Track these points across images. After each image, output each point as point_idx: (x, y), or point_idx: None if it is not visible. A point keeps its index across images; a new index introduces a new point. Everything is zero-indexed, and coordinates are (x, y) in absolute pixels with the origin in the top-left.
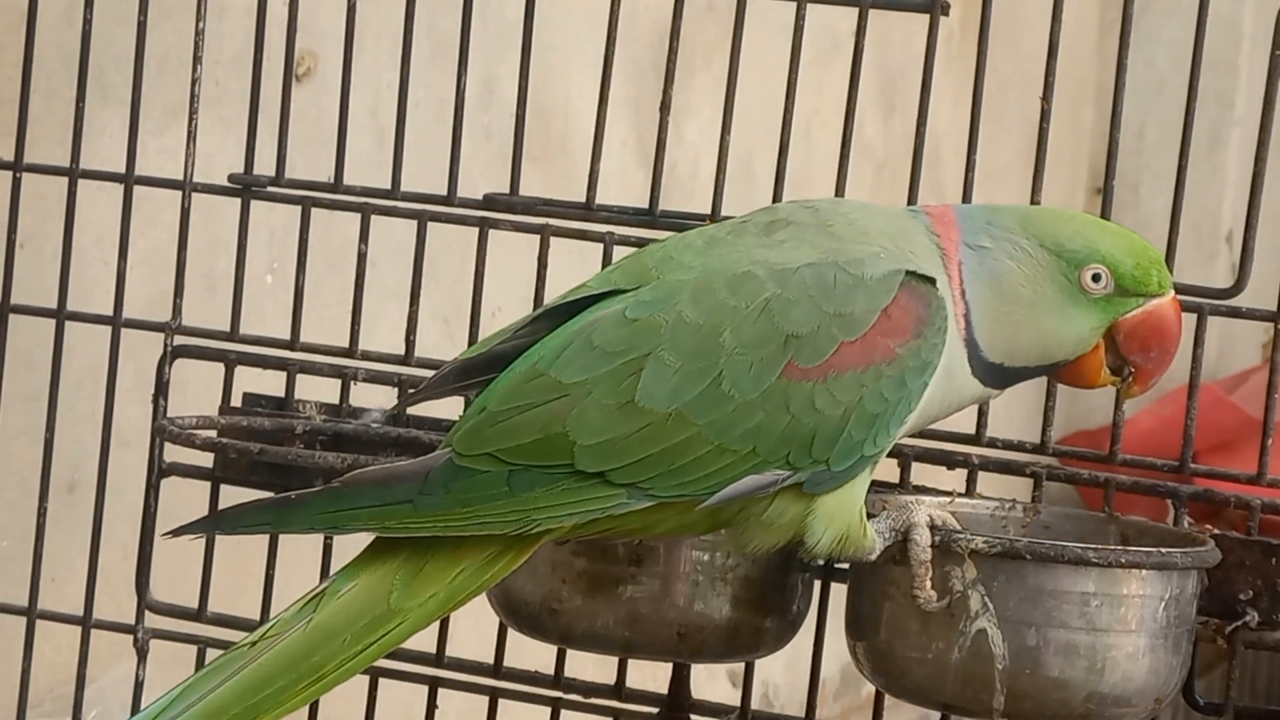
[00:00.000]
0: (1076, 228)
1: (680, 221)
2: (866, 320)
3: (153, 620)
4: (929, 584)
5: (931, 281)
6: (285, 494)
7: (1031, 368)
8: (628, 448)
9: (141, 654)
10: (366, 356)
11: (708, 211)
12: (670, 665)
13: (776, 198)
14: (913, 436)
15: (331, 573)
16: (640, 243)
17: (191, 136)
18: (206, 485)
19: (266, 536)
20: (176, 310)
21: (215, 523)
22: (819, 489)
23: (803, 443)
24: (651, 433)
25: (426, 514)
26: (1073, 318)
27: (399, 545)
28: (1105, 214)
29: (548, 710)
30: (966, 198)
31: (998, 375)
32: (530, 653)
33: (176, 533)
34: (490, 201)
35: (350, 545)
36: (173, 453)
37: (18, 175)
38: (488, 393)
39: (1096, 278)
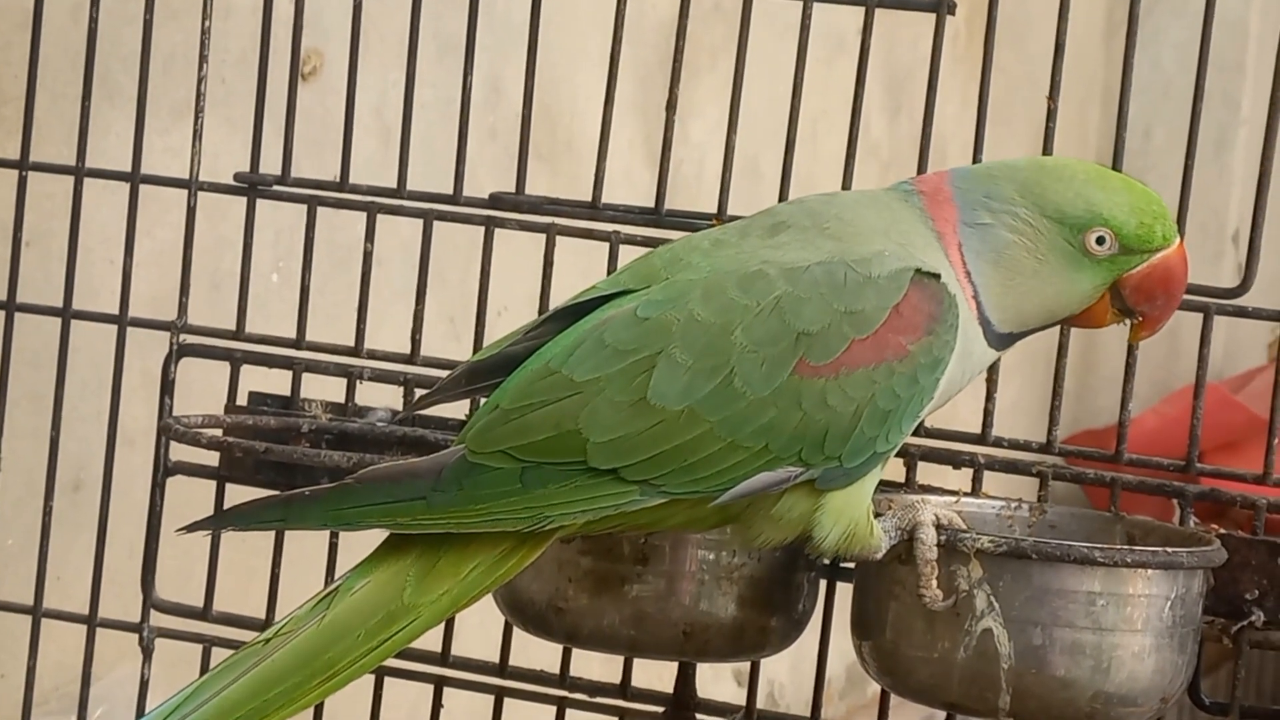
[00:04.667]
0: (1078, 189)
1: (686, 221)
2: (877, 318)
3: (158, 619)
4: (935, 583)
5: (938, 277)
6: (296, 490)
7: (1037, 328)
8: (640, 445)
9: (147, 653)
10: (372, 355)
11: (714, 211)
12: (676, 664)
13: (782, 198)
14: (919, 436)
15: (337, 572)
16: (646, 242)
17: (197, 135)
18: (212, 484)
19: (272, 535)
20: (182, 309)
21: (226, 519)
22: (831, 485)
23: (815, 439)
24: (664, 430)
25: (439, 511)
26: (1076, 280)
27: (411, 543)
28: None
29: (553, 709)
30: None
31: (1008, 340)
32: (536, 652)
33: (188, 529)
34: (496, 201)
35: (356, 545)
36: (178, 451)
37: (23, 174)
38: (500, 391)
39: (1100, 240)
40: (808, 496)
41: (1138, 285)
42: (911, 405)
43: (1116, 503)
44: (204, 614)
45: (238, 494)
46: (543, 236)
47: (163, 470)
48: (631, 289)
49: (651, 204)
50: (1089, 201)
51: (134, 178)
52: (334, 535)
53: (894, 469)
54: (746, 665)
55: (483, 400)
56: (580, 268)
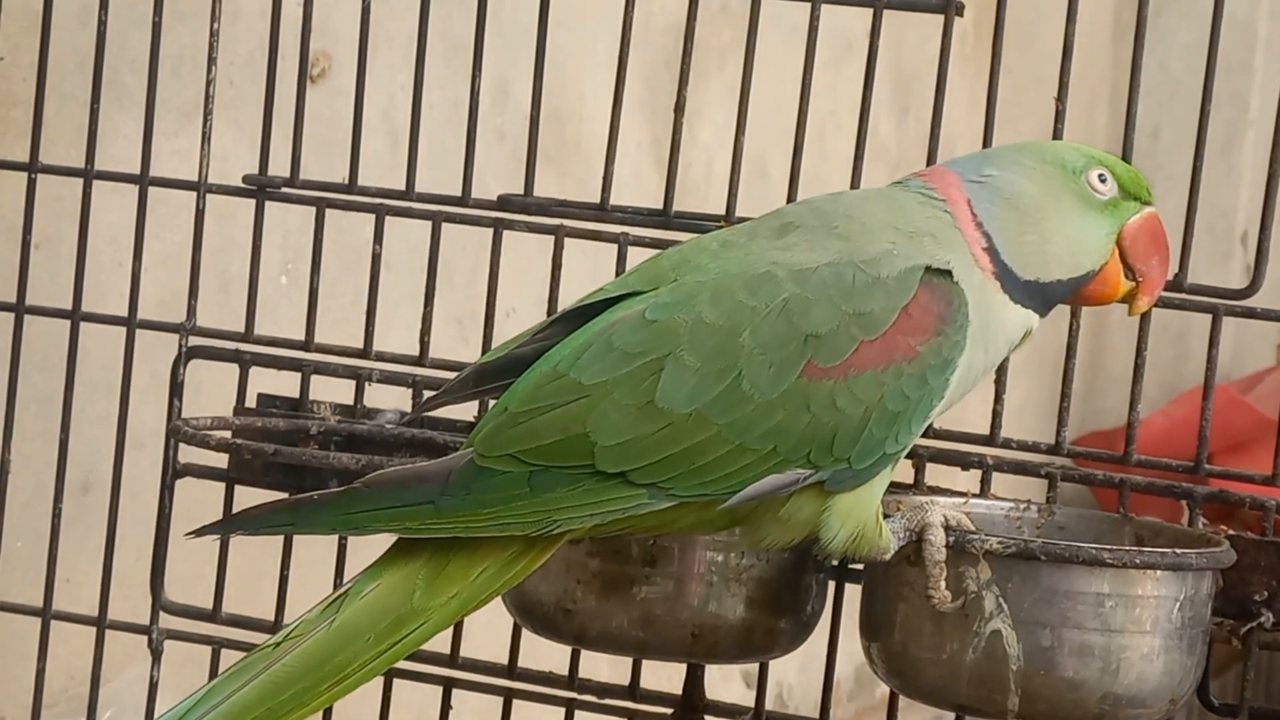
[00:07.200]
0: (1070, 146)
1: (694, 223)
2: (886, 319)
3: (167, 621)
4: (944, 585)
5: (949, 274)
6: (305, 495)
7: (1065, 281)
8: (648, 448)
9: (156, 655)
10: (381, 357)
11: (722, 213)
12: (684, 666)
13: (791, 199)
14: (927, 437)
15: (345, 573)
16: (655, 244)
17: (206, 138)
18: (221, 486)
19: (281, 537)
20: (191, 311)
21: (234, 524)
22: (839, 487)
23: (824, 442)
24: (672, 433)
25: (447, 515)
26: (1090, 221)
27: (421, 546)
28: None
29: (562, 711)
30: None
31: (1035, 293)
32: (545, 653)
33: (196, 534)
34: (505, 202)
35: (365, 546)
36: (187, 454)
37: (33, 176)
38: (509, 394)
39: (1102, 178)
40: (816, 498)
41: (1136, 235)
42: (921, 406)
43: (1125, 504)
44: (213, 616)
45: (247, 496)
46: (551, 238)
47: (172, 472)
48: (640, 291)
49: (660, 205)
50: (1081, 151)
51: (143, 180)
52: (343, 538)
53: (903, 470)
54: (755, 667)
55: (491, 402)
56: (589, 269)
